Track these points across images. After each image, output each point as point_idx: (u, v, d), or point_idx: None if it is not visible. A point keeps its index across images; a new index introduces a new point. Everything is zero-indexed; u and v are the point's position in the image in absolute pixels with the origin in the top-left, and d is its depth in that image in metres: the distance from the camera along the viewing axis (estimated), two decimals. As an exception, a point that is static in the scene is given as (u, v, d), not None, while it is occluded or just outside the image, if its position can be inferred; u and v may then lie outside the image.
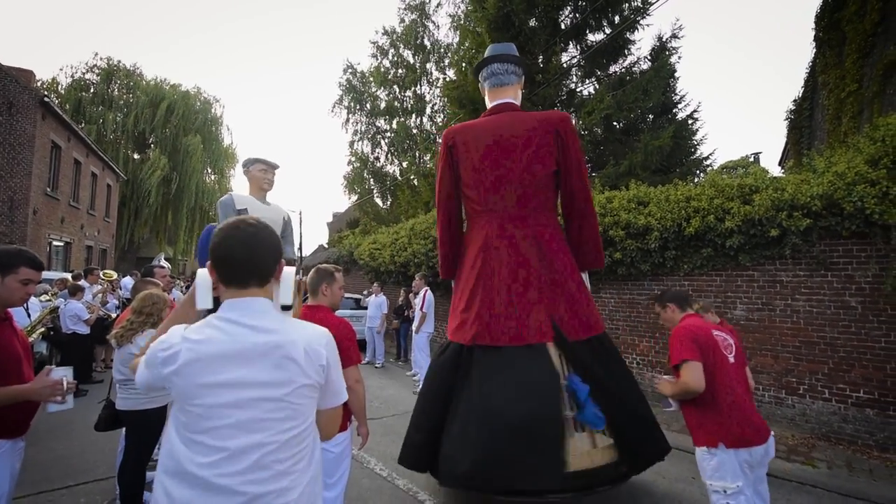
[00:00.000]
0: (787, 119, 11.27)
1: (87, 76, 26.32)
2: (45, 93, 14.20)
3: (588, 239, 3.49)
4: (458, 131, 3.59)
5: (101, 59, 26.82)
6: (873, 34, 7.05)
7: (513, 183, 3.39)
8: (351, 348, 2.18)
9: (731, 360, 2.33)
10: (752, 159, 19.75)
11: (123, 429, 2.84)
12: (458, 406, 3.10)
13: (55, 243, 14.98)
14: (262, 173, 3.37)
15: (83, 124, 23.62)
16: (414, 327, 7.21)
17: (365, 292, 10.33)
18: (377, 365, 8.69)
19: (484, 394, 2.95)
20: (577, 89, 11.98)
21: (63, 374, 1.85)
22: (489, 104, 3.63)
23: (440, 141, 20.13)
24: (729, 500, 2.16)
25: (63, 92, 25.00)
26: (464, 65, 12.99)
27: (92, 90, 26.13)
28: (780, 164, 14.61)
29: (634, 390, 3.43)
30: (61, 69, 26.69)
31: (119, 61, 27.17)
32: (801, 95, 10.70)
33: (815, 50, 9.07)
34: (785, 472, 4.02)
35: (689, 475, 3.95)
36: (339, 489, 2.11)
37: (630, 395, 3.29)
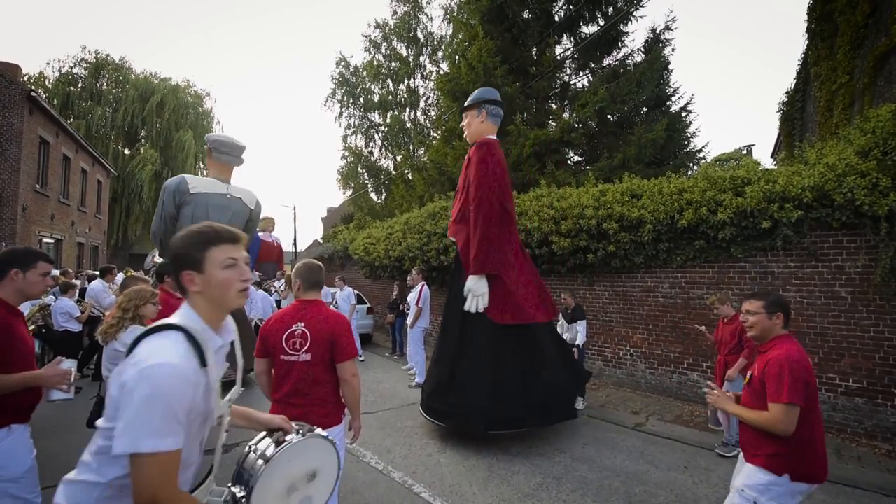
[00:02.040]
0: (779, 111, 11.31)
1: (75, 70, 25.88)
2: (32, 87, 13.96)
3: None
4: None
5: (88, 52, 26.36)
6: (865, 26, 7.06)
7: None
8: (348, 343, 2.17)
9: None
10: (744, 152, 19.82)
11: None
12: None
13: (45, 240, 14.80)
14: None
15: (72, 119, 23.27)
16: (409, 322, 7.19)
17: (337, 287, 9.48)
18: (360, 359, 8.54)
19: None
20: (571, 82, 11.95)
21: (70, 366, 2.07)
22: (494, 137, 4.77)
23: (435, 135, 20.05)
24: None
25: (50, 87, 24.58)
26: (457, 57, 12.89)
27: (80, 84, 25.71)
28: (772, 156, 14.69)
29: None
30: (48, 63, 26.31)
31: (107, 55, 26.72)
32: (793, 87, 10.73)
33: (807, 42, 9.09)
34: (775, 460, 4.08)
35: (682, 464, 4.00)
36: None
37: None
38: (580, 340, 5.81)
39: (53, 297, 6.27)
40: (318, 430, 1.51)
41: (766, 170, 5.49)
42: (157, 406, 0.99)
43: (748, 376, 2.22)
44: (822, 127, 8.02)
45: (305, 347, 2.12)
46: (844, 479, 3.72)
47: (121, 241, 26.08)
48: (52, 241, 15.32)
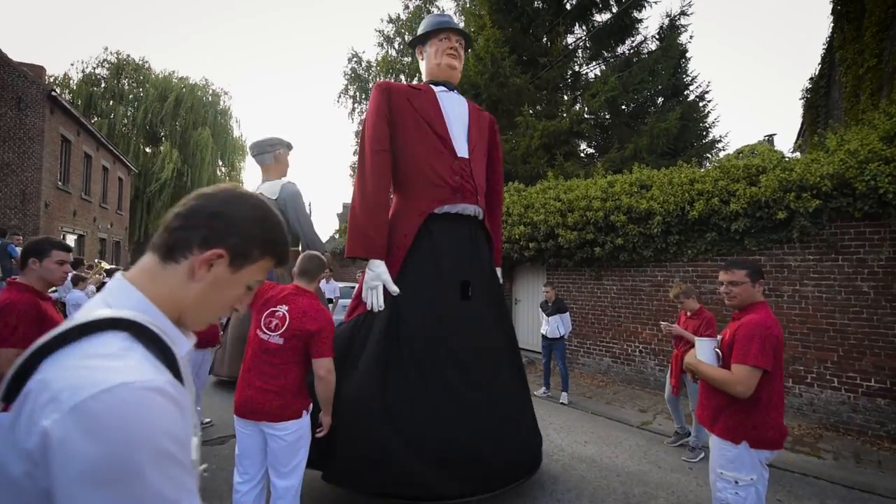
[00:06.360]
0: (802, 98, 10.80)
1: (98, 71, 26.58)
2: (54, 87, 14.37)
3: None
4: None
5: (110, 53, 27.04)
6: (894, 5, 6.65)
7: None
8: (327, 339, 2.16)
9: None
10: (766, 142, 19.07)
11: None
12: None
13: (68, 236, 15.25)
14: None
15: (95, 118, 23.92)
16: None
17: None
18: None
19: None
20: (583, 71, 11.66)
21: None
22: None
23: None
24: (738, 490, 2.01)
25: (75, 87, 25.31)
26: (469, 50, 12.75)
27: (102, 85, 26.39)
28: (795, 145, 14.08)
29: None
30: (72, 64, 26.99)
31: (128, 55, 27.35)
32: (817, 73, 10.23)
33: (832, 24, 8.62)
34: (788, 462, 3.87)
35: (687, 466, 3.83)
36: (294, 479, 2.04)
37: None
38: (565, 332, 5.57)
39: (65, 291, 6.41)
40: None
41: (782, 158, 5.22)
42: (144, 462, 0.49)
43: (718, 340, 2.29)
44: (848, 113, 7.60)
45: (280, 331, 2.13)
46: (862, 485, 3.50)
47: (143, 237, 26.77)
48: (74, 236, 15.78)
